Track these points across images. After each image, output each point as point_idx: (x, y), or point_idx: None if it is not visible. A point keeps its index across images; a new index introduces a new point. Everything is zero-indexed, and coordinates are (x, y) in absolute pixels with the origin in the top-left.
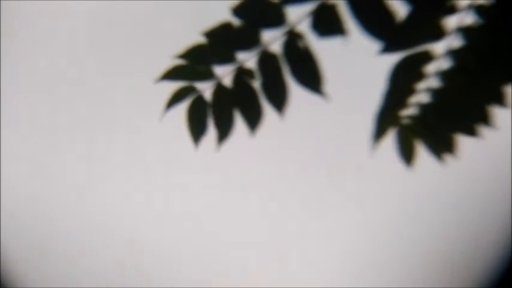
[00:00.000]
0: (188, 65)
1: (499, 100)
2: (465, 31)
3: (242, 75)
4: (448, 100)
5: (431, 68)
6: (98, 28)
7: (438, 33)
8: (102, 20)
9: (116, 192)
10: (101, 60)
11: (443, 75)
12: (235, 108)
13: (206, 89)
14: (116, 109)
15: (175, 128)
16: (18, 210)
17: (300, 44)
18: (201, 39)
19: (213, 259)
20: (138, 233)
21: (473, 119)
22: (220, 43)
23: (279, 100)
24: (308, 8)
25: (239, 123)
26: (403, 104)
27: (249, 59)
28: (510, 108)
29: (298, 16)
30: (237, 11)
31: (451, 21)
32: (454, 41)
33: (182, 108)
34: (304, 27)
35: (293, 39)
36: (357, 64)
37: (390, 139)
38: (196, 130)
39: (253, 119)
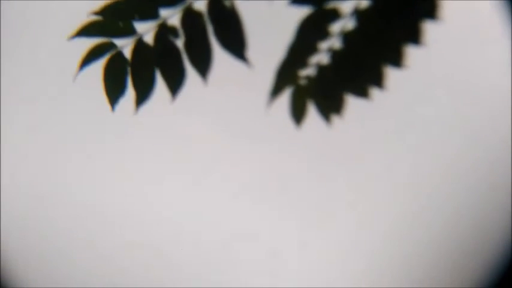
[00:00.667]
0: (106, 20)
1: (397, 62)
2: None
3: (165, 32)
4: (346, 62)
5: (336, 27)
6: None
7: None
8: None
9: (115, 192)
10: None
11: (346, 35)
12: (156, 68)
13: (126, 46)
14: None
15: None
16: (18, 209)
17: (227, 4)
18: None
19: (213, 259)
20: (138, 233)
21: (367, 81)
22: None
23: (202, 62)
24: None
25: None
26: (303, 63)
27: (172, 16)
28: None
29: None
30: None
31: None
32: (362, 2)
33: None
34: None
35: None
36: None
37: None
38: (113, 90)
39: (175, 81)
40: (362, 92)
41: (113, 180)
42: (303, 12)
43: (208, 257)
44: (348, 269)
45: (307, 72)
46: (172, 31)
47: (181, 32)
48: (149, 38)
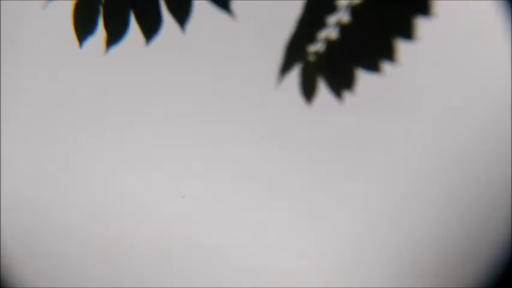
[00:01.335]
0: None
1: (408, 34)
2: None
3: None
4: (355, 35)
5: (343, 1)
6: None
7: None
8: None
9: (115, 192)
10: (100, 59)
11: (354, 8)
12: (130, 10)
13: None
14: (116, 108)
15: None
16: (18, 209)
17: None
18: None
19: (212, 259)
20: (138, 233)
21: (378, 55)
22: None
23: (180, 10)
24: None
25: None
26: (312, 38)
27: None
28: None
29: None
30: None
31: None
32: None
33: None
34: None
35: None
36: None
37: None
38: (83, 27)
39: (150, 27)
40: (373, 67)
41: (118, 181)
42: None
43: (207, 256)
44: (348, 268)
45: (316, 47)
46: None
47: None
48: None
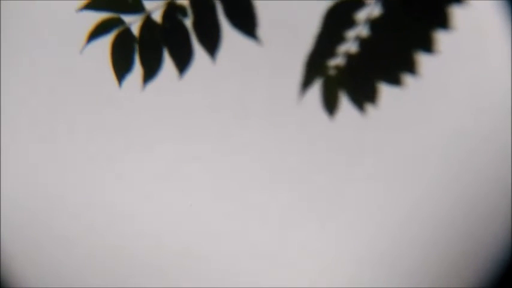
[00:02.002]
0: None
1: (428, 47)
2: None
3: (173, 10)
4: (375, 49)
5: (362, 15)
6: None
7: None
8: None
9: (115, 192)
10: (100, 58)
11: (373, 22)
12: (164, 46)
13: (134, 23)
14: (115, 107)
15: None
16: (18, 209)
17: None
18: None
19: (212, 258)
20: (138, 232)
21: (399, 68)
22: None
23: (211, 42)
24: None
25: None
26: (332, 53)
27: None
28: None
29: None
30: None
31: None
32: None
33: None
34: None
35: None
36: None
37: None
38: (121, 66)
39: (182, 60)
40: (394, 80)
41: (118, 181)
42: (328, 2)
43: (207, 255)
44: (348, 268)
45: (336, 61)
46: (181, 9)
47: (189, 10)
48: (157, 16)
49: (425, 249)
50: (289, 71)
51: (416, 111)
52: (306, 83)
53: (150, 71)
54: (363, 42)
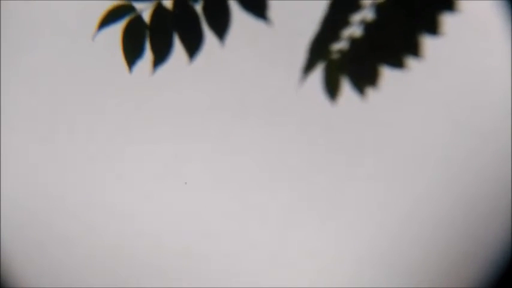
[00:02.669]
0: None
1: (433, 30)
2: None
3: None
4: (380, 33)
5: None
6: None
7: None
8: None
9: (115, 191)
10: (100, 58)
11: (379, 6)
12: (174, 32)
13: (145, 10)
14: (115, 107)
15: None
16: (18, 209)
17: None
18: None
19: (212, 258)
20: (138, 232)
21: (403, 51)
22: None
23: (220, 25)
24: None
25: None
26: (336, 36)
27: None
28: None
29: None
30: None
31: None
32: None
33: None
34: None
35: None
36: None
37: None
38: (132, 52)
39: (193, 45)
40: (398, 63)
41: (118, 180)
42: None
43: (207, 253)
44: (348, 268)
45: (340, 46)
46: None
47: None
48: (168, 2)
49: (425, 249)
50: (292, 59)
51: (416, 111)
52: (309, 66)
53: (161, 57)
54: (367, 26)
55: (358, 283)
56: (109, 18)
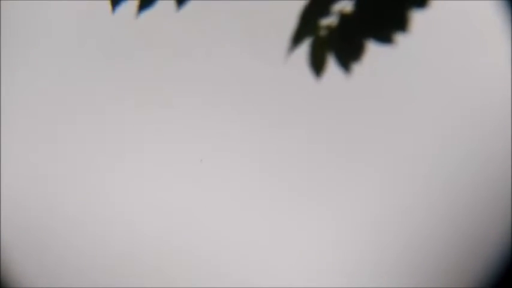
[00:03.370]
0: None
1: (420, 2)
2: None
3: None
4: (368, 7)
5: None
6: (96, 26)
7: None
8: (101, 19)
9: (115, 191)
10: (100, 58)
11: None
12: None
13: None
14: (114, 107)
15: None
16: (18, 209)
17: None
18: None
19: (211, 258)
20: (137, 232)
21: (390, 26)
22: None
23: None
24: None
25: None
26: (325, 11)
27: None
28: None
29: None
30: None
31: None
32: None
33: None
34: None
35: None
36: None
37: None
38: None
39: None
40: (385, 38)
41: (118, 180)
42: None
43: (205, 255)
44: (348, 268)
45: (329, 21)
46: None
47: None
48: None
49: (426, 250)
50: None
51: (416, 112)
52: (296, 40)
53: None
54: (355, 1)
55: (358, 283)
56: None
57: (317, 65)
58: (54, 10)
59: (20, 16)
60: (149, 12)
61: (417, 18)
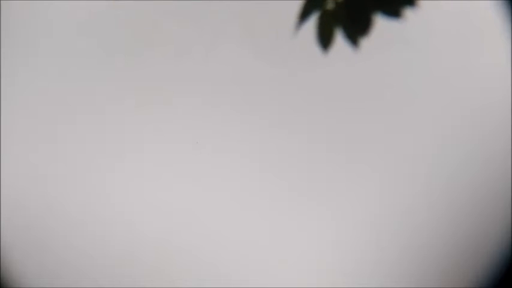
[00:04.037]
0: None
1: None
2: None
3: None
4: None
5: None
6: (96, 26)
7: None
8: (101, 19)
9: (115, 191)
10: (100, 58)
11: None
12: None
13: None
14: (114, 106)
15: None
16: (18, 210)
17: None
18: None
19: (211, 258)
20: (137, 232)
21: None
22: None
23: None
24: None
25: None
26: None
27: None
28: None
29: None
30: None
31: None
32: None
33: None
34: None
35: None
36: None
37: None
38: None
39: None
40: (394, 12)
41: (118, 179)
42: None
43: (205, 254)
44: (348, 268)
45: None
46: None
47: None
48: None
49: (426, 250)
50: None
51: (416, 112)
52: (304, 14)
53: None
54: None
55: (358, 283)
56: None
57: (324, 39)
58: (54, 10)
59: (20, 16)
60: (149, 12)
61: (417, 18)
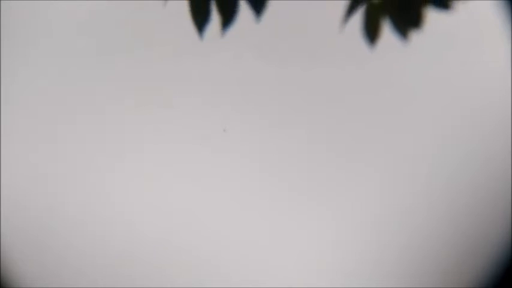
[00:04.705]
0: None
1: None
2: None
3: None
4: None
5: None
6: (96, 26)
7: None
8: (101, 19)
9: (115, 191)
10: (100, 58)
11: None
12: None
13: None
14: (114, 106)
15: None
16: (18, 210)
17: None
18: None
19: (211, 258)
20: (137, 232)
21: None
22: None
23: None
24: None
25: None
26: None
27: None
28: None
29: None
30: None
31: None
32: None
33: None
34: None
35: None
36: None
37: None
38: (200, 17)
39: (258, 3)
40: (443, 3)
41: (118, 179)
42: None
43: (205, 254)
44: (348, 268)
45: None
46: None
47: None
48: None
49: (425, 249)
50: None
51: (416, 111)
52: (351, 8)
53: (228, 17)
54: None
55: (358, 283)
56: None
57: (371, 32)
58: (54, 10)
59: (20, 16)
60: (149, 12)
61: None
